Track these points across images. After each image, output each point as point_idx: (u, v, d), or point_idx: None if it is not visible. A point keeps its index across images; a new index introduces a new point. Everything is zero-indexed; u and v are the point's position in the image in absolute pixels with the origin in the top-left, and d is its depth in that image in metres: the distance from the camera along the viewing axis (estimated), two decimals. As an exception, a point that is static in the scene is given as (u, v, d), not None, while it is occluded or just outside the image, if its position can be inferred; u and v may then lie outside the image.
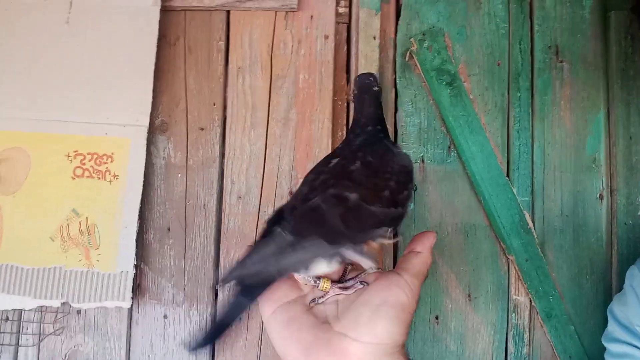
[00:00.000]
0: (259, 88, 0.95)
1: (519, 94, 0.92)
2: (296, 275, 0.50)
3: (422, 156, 0.92)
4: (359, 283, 0.49)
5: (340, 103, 0.96)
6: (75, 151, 0.88)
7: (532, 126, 0.91)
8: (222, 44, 0.95)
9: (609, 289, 0.89)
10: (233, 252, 0.93)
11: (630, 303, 0.58)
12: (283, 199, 0.94)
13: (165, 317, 0.94)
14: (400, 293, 0.45)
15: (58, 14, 0.89)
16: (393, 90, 0.93)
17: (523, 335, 0.89)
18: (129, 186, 0.90)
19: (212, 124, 0.96)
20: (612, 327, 0.61)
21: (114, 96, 0.89)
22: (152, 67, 0.90)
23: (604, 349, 0.88)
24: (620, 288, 0.89)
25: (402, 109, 0.92)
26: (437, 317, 0.90)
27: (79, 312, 0.92)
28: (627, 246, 0.89)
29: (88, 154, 0.89)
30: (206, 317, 0.94)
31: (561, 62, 0.92)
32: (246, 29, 0.95)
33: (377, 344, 0.42)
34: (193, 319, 0.94)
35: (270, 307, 0.48)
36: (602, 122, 0.91)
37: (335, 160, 0.54)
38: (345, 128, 0.95)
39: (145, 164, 0.91)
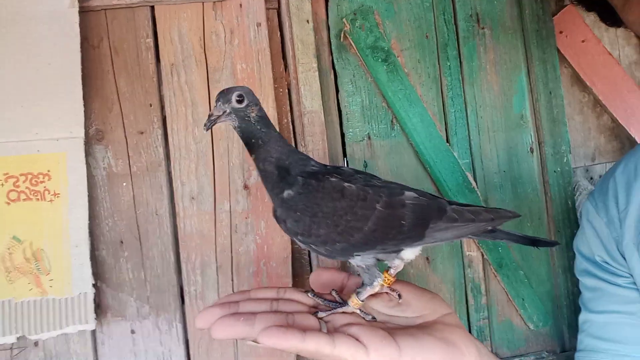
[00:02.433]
0: (196, 83, 0.92)
1: (449, 63, 0.97)
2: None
3: (367, 133, 0.95)
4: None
5: (281, 90, 0.96)
6: (6, 174, 0.81)
7: (464, 92, 0.97)
8: (150, 41, 0.91)
9: (547, 232, 0.98)
10: (194, 255, 0.91)
11: (588, 235, 0.64)
12: (238, 193, 0.93)
13: (132, 332, 0.91)
14: None
15: (-39, 25, 0.80)
16: (332, 72, 0.95)
17: (480, 287, 0.96)
18: (72, 203, 0.85)
19: (152, 126, 0.92)
20: (578, 261, 0.67)
21: (41, 109, 0.82)
22: (79, 72, 0.84)
23: (550, 288, 0.98)
24: (556, 230, 0.98)
25: (343, 89, 0.94)
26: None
27: (36, 343, 0.86)
28: (558, 191, 0.98)
29: (21, 175, 0.82)
30: (176, 325, 0.92)
31: (482, 28, 0.98)
32: (174, 23, 0.91)
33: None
34: (162, 329, 0.92)
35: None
36: (525, 81, 0.99)
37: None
38: (289, 115, 0.95)
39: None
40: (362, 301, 0.57)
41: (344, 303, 0.57)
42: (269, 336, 0.44)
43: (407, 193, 0.58)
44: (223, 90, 0.59)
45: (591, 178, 1.09)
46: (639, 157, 0.61)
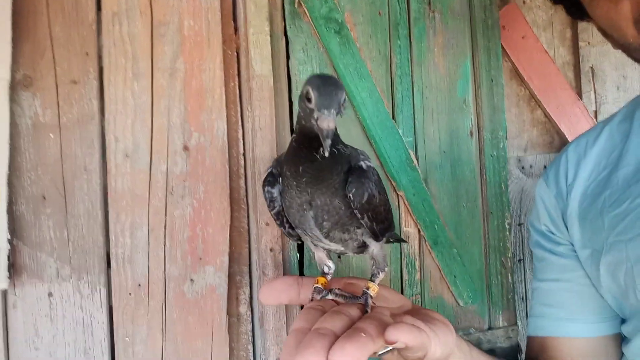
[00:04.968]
0: (139, 35, 0.87)
1: (399, 42, 0.98)
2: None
3: (315, 103, 0.94)
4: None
5: (229, 52, 0.92)
6: None
7: (412, 72, 0.99)
8: (92, -15, 0.85)
9: (481, 213, 1.02)
10: (124, 216, 0.86)
11: (538, 208, 0.68)
12: (177, 154, 0.89)
13: (50, 295, 0.84)
14: None
15: None
16: (284, 38, 0.93)
17: (415, 263, 0.98)
18: (-10, 150, 0.77)
19: (87, 76, 0.86)
20: (531, 235, 0.71)
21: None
22: (9, 11, 0.77)
23: (481, 267, 1.01)
24: (489, 212, 1.02)
25: (295, 56, 0.93)
26: (339, 256, 0.95)
27: (-64, 304, 0.78)
28: (493, 175, 1.02)
29: None
30: (99, 289, 0.86)
31: (433, 12, 1.00)
32: (120, -31, 0.86)
33: None
34: (84, 293, 0.85)
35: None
36: (469, 67, 1.02)
37: None
38: (237, 78, 0.92)
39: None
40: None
41: (365, 293, 0.55)
42: (400, 332, 0.42)
43: None
44: (329, 90, 0.47)
45: (522, 167, 1.14)
46: (589, 138, 0.65)
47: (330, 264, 0.64)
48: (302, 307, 0.84)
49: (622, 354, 0.61)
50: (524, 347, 1.13)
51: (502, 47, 1.10)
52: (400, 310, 0.56)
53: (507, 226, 1.03)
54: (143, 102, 0.87)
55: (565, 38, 1.21)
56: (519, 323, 1.08)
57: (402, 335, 0.42)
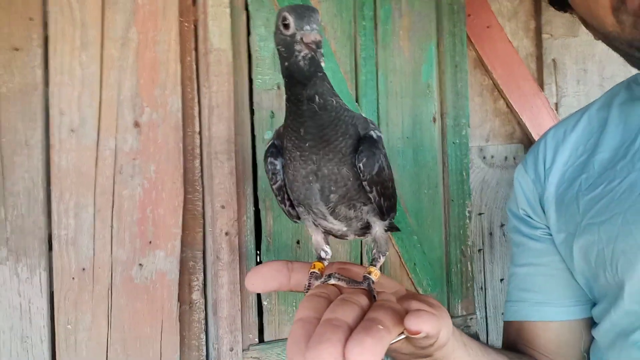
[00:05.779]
0: (88, 2, 0.82)
1: (364, 23, 0.96)
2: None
3: (277, 83, 0.90)
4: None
5: (186, 25, 0.88)
6: None
7: (377, 54, 0.97)
8: (36, -56, 0.79)
9: (442, 200, 1.01)
10: (68, 195, 0.81)
11: (516, 193, 0.69)
12: (127, 131, 0.83)
13: (-17, 278, 0.78)
14: None
15: None
16: (245, 13, 0.89)
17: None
18: None
19: (30, 43, 0.80)
20: (509, 220, 0.72)
21: None
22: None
23: (441, 255, 1.00)
24: (450, 199, 1.01)
25: (256, 32, 0.89)
26: (298, 242, 0.92)
27: None
28: (455, 162, 1.01)
29: None
30: (39, 273, 0.80)
31: (399, -7, 0.98)
32: None
33: None
34: (22, 277, 0.80)
35: None
36: (434, 51, 1.01)
37: None
38: (194, 53, 0.88)
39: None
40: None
41: (367, 278, 0.52)
42: (423, 321, 0.39)
43: None
44: (304, 9, 0.44)
45: (484, 157, 1.14)
46: (568, 124, 0.66)
47: (328, 249, 0.60)
48: (257, 296, 0.79)
49: (593, 337, 0.61)
50: (483, 337, 1.14)
51: (467, 36, 1.09)
52: (397, 295, 0.53)
53: (467, 214, 1.02)
54: (91, 73, 0.82)
55: (529, 29, 1.21)
56: (477, 313, 1.08)
57: (425, 325, 0.39)
